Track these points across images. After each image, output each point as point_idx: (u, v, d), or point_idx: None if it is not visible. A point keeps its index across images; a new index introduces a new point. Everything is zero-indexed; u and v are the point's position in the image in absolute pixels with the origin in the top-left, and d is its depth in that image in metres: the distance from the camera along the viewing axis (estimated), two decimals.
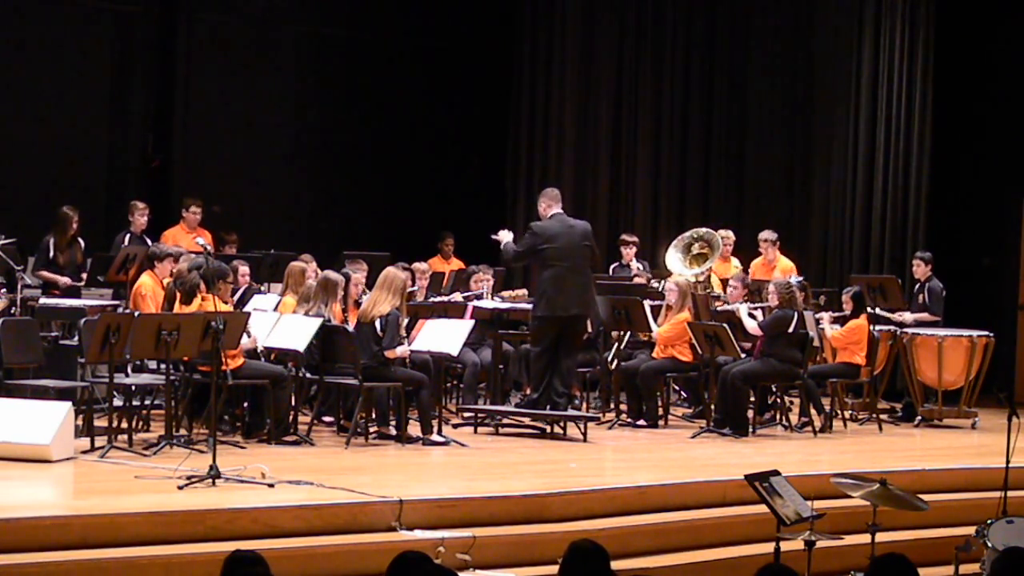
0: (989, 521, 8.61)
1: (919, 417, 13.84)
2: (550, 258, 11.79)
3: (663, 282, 13.56)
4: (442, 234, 15.48)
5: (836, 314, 13.45)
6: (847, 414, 13.51)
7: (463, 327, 11.75)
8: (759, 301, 13.17)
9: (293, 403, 11.20)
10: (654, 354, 12.98)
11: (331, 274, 11.72)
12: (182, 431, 10.75)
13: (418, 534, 8.53)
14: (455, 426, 12.29)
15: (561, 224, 11.96)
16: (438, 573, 5.47)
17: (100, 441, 10.15)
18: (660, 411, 12.89)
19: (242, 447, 10.63)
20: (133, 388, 11.07)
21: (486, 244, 12.51)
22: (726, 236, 14.82)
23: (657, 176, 17.14)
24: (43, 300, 12.34)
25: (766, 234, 14.99)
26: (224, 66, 16.09)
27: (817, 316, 13.29)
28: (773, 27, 17.19)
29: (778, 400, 13.04)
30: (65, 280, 12.74)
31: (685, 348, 12.80)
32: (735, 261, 15.07)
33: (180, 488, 8.80)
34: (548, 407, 11.88)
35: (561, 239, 11.84)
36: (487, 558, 8.57)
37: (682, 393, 14.21)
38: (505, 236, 12.23)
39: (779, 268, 14.63)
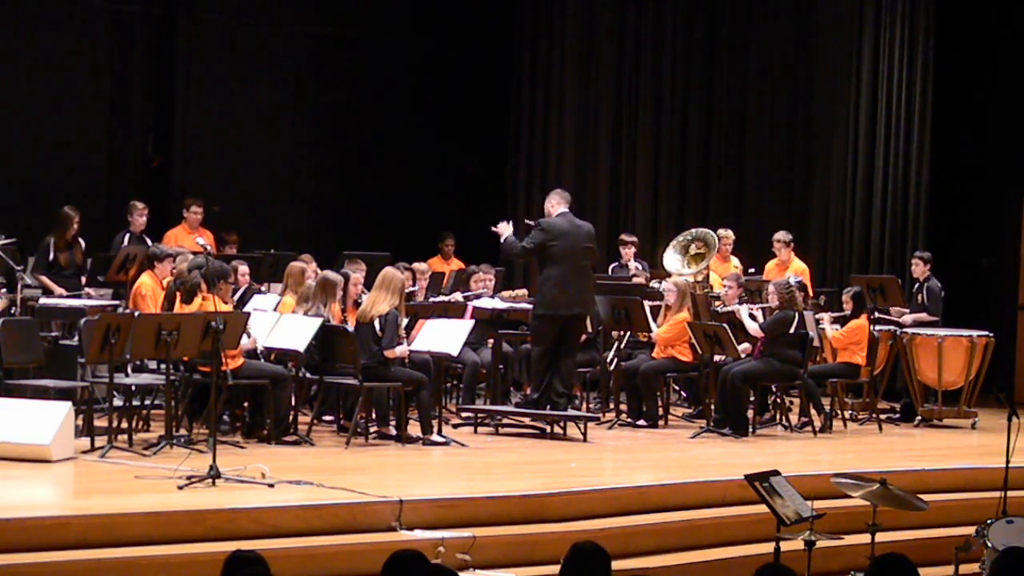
0: (989, 521, 8.61)
1: (919, 417, 13.84)
2: (555, 256, 11.79)
3: (663, 282, 13.55)
4: (442, 234, 15.48)
5: (836, 314, 13.45)
6: (847, 414, 13.51)
7: (463, 327, 11.74)
8: (759, 301, 13.16)
9: (293, 403, 11.20)
10: (654, 354, 12.98)
11: (330, 274, 11.72)
12: (182, 431, 10.74)
13: (418, 534, 8.53)
14: (455, 426, 12.28)
15: (569, 223, 11.97)
16: (436, 572, 5.47)
17: (100, 441, 10.14)
18: (660, 411, 12.89)
19: (242, 447, 10.63)
20: (133, 388, 11.06)
21: (486, 244, 12.49)
22: (725, 236, 14.79)
23: (657, 176, 17.12)
24: (43, 300, 12.31)
25: (780, 235, 14.89)
26: (224, 66, 16.07)
27: (817, 316, 13.29)
28: (773, 27, 17.16)
29: (778, 400, 13.04)
30: (60, 291, 12.69)
31: (685, 348, 12.79)
32: (735, 260, 15.04)
33: (180, 488, 8.80)
34: (548, 407, 11.88)
35: (567, 237, 11.85)
36: (487, 558, 8.56)
37: (682, 393, 14.20)
38: (505, 229, 12.12)
39: (791, 269, 14.49)
